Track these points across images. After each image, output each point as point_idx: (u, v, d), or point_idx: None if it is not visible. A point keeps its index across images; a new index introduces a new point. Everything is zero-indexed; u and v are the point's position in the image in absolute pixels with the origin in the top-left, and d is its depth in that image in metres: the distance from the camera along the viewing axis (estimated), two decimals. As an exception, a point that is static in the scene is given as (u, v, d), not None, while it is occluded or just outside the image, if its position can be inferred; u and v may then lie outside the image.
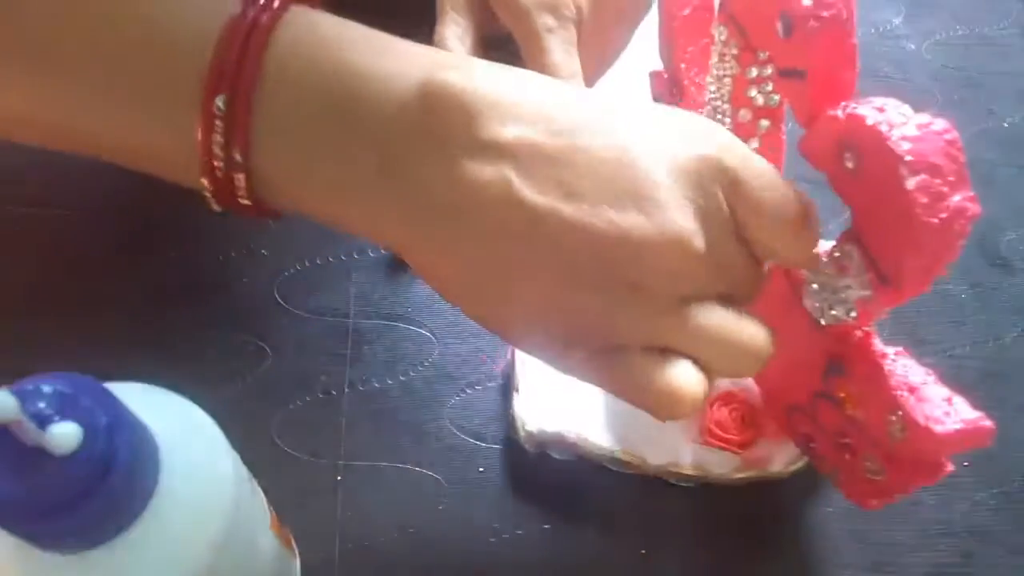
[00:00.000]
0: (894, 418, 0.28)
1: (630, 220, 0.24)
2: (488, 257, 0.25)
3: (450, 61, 0.25)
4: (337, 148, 0.24)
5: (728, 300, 0.27)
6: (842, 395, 0.30)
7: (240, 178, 0.25)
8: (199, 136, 0.24)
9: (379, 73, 0.24)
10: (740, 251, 0.27)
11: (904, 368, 0.29)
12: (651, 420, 0.36)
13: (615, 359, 0.26)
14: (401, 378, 0.38)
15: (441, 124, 0.24)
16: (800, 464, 0.36)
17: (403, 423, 0.37)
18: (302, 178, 0.25)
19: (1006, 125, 0.49)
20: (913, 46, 0.51)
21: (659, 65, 0.37)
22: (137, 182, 0.40)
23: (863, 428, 0.30)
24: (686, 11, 0.33)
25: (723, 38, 0.30)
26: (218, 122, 0.24)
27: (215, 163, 0.24)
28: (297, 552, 0.33)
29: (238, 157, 0.24)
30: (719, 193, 0.25)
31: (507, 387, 0.38)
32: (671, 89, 0.35)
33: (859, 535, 0.36)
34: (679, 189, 0.25)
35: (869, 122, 0.25)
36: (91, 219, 0.39)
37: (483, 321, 0.27)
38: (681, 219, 0.25)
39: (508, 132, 0.24)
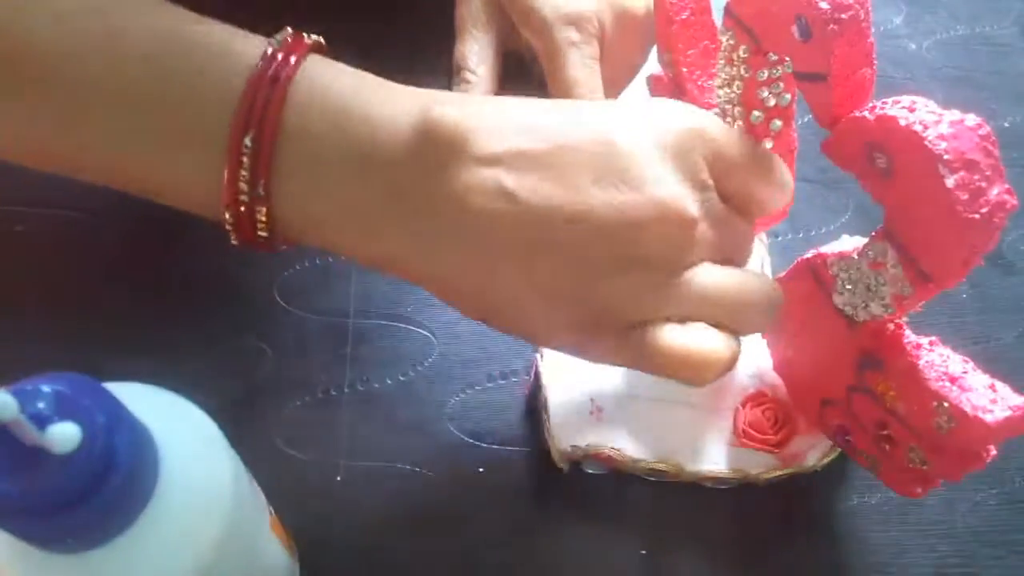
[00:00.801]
0: (940, 410, 0.28)
1: (625, 198, 0.26)
2: (500, 267, 0.27)
3: (445, 98, 0.28)
4: (350, 184, 0.27)
5: (727, 263, 0.29)
6: (880, 388, 0.30)
7: (262, 211, 0.27)
8: (226, 172, 0.26)
9: (384, 115, 0.27)
10: (728, 212, 0.29)
11: (942, 358, 0.29)
12: (685, 427, 0.37)
13: (640, 337, 0.27)
14: (401, 378, 0.38)
15: (439, 149, 0.26)
16: (833, 456, 0.36)
17: (403, 423, 0.37)
18: (320, 211, 0.27)
19: (1007, 125, 0.49)
20: (914, 46, 0.51)
21: (654, 69, 0.37)
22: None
23: (905, 420, 0.30)
24: (683, 15, 0.33)
25: (731, 42, 0.30)
26: (245, 159, 0.26)
27: (240, 197, 0.26)
28: (297, 552, 0.32)
29: (261, 191, 0.26)
30: (701, 160, 0.28)
31: (532, 407, 0.37)
32: (674, 93, 0.35)
33: (860, 536, 0.36)
34: (665, 162, 0.27)
35: (902, 123, 0.25)
36: (91, 219, 0.39)
37: (509, 329, 0.29)
38: (671, 189, 0.27)
39: (498, 145, 0.26)
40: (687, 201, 0.27)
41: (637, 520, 0.36)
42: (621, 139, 0.27)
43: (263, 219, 0.27)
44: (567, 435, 0.36)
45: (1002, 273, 0.43)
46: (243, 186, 0.26)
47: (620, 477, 0.36)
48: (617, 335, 0.28)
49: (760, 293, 0.29)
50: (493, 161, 0.26)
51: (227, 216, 0.27)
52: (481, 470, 0.37)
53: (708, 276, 0.28)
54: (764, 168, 0.30)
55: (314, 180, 0.27)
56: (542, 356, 0.37)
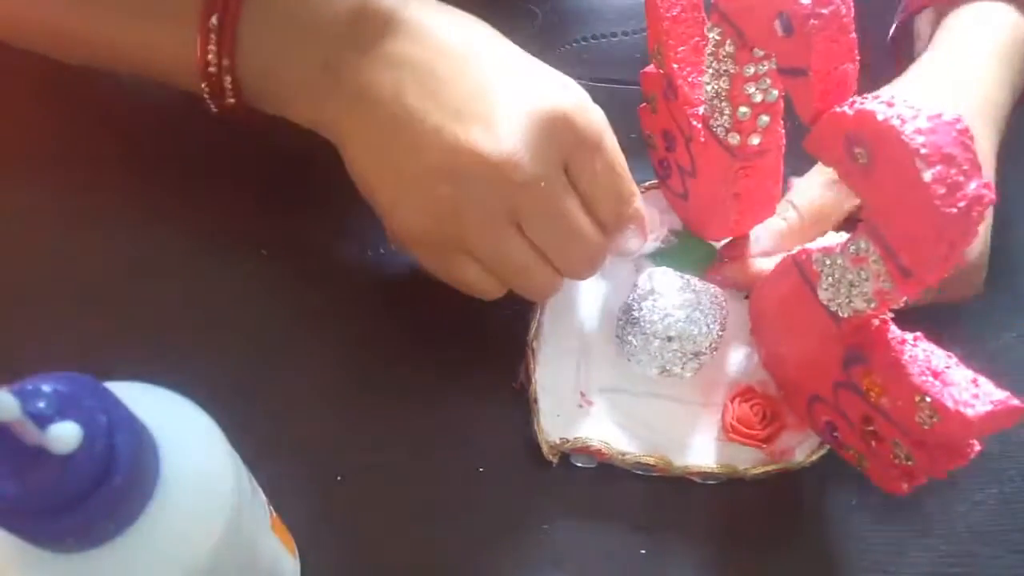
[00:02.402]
0: (923, 404, 0.28)
1: (476, 134, 0.31)
2: (381, 144, 0.32)
3: None
4: (295, 55, 0.33)
5: (545, 251, 0.33)
6: (866, 384, 0.30)
7: (228, 79, 0.33)
8: (198, 46, 0.33)
9: None
10: (570, 199, 0.32)
11: (926, 353, 0.29)
12: (673, 421, 0.36)
13: (453, 259, 0.33)
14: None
15: (368, 35, 0.32)
16: (822, 452, 0.36)
17: (403, 424, 0.37)
18: (270, 78, 0.33)
19: (1006, 125, 0.49)
20: (913, 46, 0.51)
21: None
22: (141, 184, 0.40)
23: (890, 416, 0.30)
24: (674, 11, 0.34)
25: (718, 38, 0.30)
26: (212, 35, 0.32)
27: (210, 68, 0.33)
28: (297, 553, 0.32)
29: (226, 62, 0.33)
30: (557, 141, 0.31)
31: (524, 399, 0.37)
32: (666, 89, 0.35)
33: (859, 536, 0.36)
34: (523, 126, 0.31)
35: (880, 117, 0.25)
36: (91, 220, 0.39)
37: (380, 208, 0.33)
38: (512, 144, 0.31)
39: (414, 48, 0.32)
40: (520, 158, 0.30)
41: (626, 515, 0.36)
42: (502, 90, 0.31)
43: (230, 87, 0.33)
44: (556, 428, 0.36)
45: (1002, 273, 0.43)
46: (211, 59, 0.33)
47: (609, 471, 0.36)
48: (460, 252, 0.32)
49: (538, 289, 0.34)
50: (403, 58, 0.32)
51: (203, 86, 0.33)
52: (481, 470, 0.36)
53: (511, 241, 0.32)
54: (614, 183, 0.33)
55: (269, 55, 0.33)
56: (533, 351, 0.37)
